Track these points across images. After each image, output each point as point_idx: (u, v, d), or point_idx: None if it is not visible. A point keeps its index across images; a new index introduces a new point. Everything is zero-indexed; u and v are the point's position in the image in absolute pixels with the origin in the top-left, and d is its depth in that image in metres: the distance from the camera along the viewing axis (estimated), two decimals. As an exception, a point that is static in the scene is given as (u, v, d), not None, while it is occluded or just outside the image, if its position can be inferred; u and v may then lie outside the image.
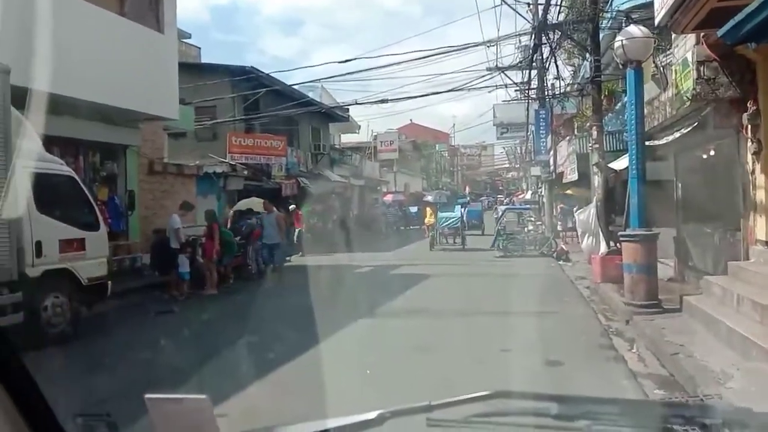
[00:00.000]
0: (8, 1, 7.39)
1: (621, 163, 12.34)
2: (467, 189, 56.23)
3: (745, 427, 1.09)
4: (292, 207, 19.55)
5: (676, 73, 8.87)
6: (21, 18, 7.55)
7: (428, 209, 24.05)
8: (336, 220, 25.90)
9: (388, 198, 39.48)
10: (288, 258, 16.65)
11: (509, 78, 22.62)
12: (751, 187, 7.90)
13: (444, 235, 21.55)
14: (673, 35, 9.35)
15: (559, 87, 22.55)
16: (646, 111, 9.51)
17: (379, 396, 4.68)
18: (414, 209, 39.84)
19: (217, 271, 12.44)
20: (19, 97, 7.14)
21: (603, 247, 11.85)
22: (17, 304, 6.95)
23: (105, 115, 11.95)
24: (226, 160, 19.56)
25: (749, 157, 7.81)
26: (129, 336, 8.08)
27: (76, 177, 8.80)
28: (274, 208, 14.50)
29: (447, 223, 20.98)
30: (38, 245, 7.44)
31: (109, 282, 8.87)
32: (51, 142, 9.63)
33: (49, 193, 7.77)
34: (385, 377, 5.49)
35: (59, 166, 8.42)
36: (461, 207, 22.06)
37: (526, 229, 19.64)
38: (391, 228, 32.66)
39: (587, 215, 13.19)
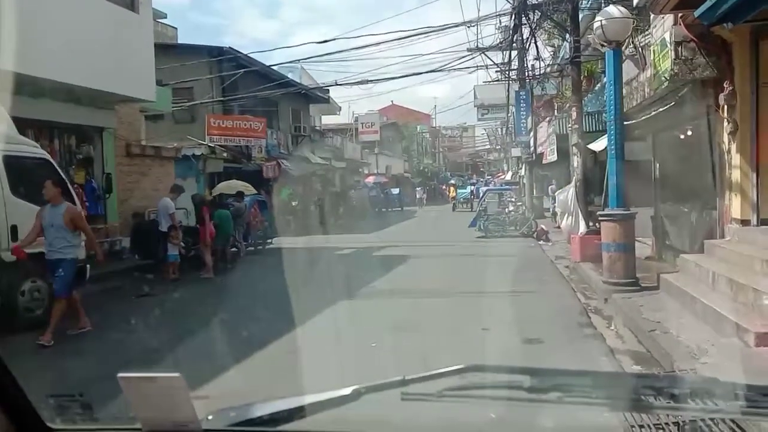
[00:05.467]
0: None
1: (600, 144, 12.44)
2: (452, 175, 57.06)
3: (712, 395, 1.12)
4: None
5: (654, 54, 8.92)
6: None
7: (451, 187, 43.72)
8: (318, 202, 25.84)
9: (370, 180, 39.43)
10: (270, 240, 16.63)
11: (490, 59, 22.57)
12: (726, 166, 8.02)
13: (460, 203, 36.04)
14: (652, 16, 9.38)
15: (540, 68, 22.59)
16: (624, 91, 9.56)
17: (358, 374, 4.71)
18: (396, 191, 39.92)
19: (212, 254, 12.42)
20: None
21: (582, 227, 11.99)
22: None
23: (79, 96, 11.72)
24: (205, 143, 19.33)
25: (725, 137, 7.91)
26: (109, 319, 8.00)
27: (51, 160, 8.64)
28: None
29: (462, 195, 37.12)
30: (13, 229, 7.33)
31: (88, 266, 8.76)
32: (25, 125, 9.45)
33: (23, 177, 7.64)
34: (365, 356, 5.52)
35: (33, 149, 8.26)
36: (471, 186, 38.48)
37: (506, 209, 19.77)
38: (373, 210, 32.68)
39: (566, 195, 13.31)
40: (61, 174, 8.75)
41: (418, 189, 47.95)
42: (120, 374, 1.10)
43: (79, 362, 5.82)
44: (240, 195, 15.01)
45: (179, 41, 24.51)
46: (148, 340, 6.15)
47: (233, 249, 14.08)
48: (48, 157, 8.54)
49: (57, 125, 12.12)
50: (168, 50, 19.44)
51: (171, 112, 18.54)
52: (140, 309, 8.70)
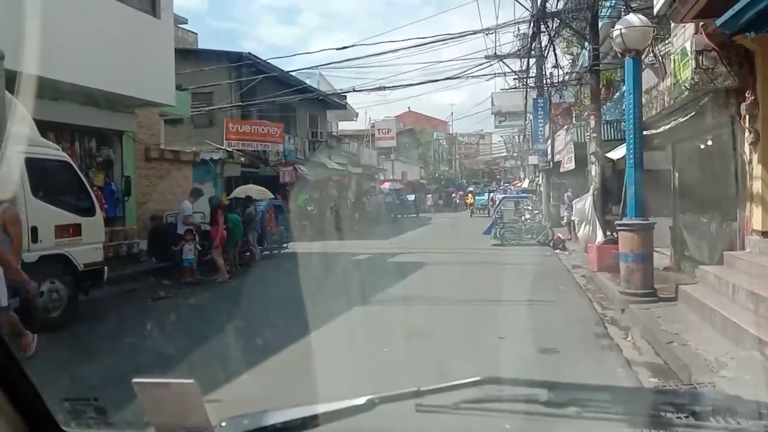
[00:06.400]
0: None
1: (618, 153, 12.33)
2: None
3: (734, 413, 1.09)
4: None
5: (674, 63, 8.83)
6: (13, 1, 7.47)
7: (469, 194, 44.25)
8: (333, 207, 25.90)
9: (386, 186, 39.45)
10: (285, 245, 16.70)
11: (508, 66, 22.56)
12: (747, 177, 7.90)
13: (477, 209, 37.36)
14: (672, 24, 9.30)
15: (558, 76, 22.48)
16: (644, 100, 9.48)
17: (372, 382, 4.70)
18: (411, 197, 39.90)
19: (227, 257, 12.57)
20: (12, 82, 7.08)
21: (599, 236, 11.88)
22: (14, 289, 6.93)
23: (100, 100, 11.87)
24: (223, 147, 19.49)
25: (746, 147, 7.80)
26: (125, 322, 8.07)
27: (72, 162, 8.76)
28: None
29: (480, 201, 38.33)
30: (34, 230, 7.41)
31: (105, 268, 8.86)
32: (46, 128, 9.58)
33: (44, 179, 7.74)
34: (380, 364, 5.51)
35: (55, 152, 8.37)
36: (488, 193, 38.28)
37: (523, 217, 19.66)
38: (388, 216, 32.69)
39: (584, 204, 13.20)
40: (81, 176, 8.89)
41: (428, 196, 47.79)
42: (135, 379, 1.10)
43: (93, 365, 5.86)
44: (249, 200, 15.11)
45: (199, 46, 24.78)
46: (162, 344, 6.18)
47: (247, 253, 14.16)
48: (68, 159, 8.66)
49: (78, 128, 12.27)
50: (188, 55, 19.68)
51: (190, 116, 18.74)
52: (155, 312, 8.77)
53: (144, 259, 13.02)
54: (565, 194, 21.20)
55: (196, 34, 26.23)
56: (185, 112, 17.38)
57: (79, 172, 8.82)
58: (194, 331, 7.15)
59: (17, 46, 7.29)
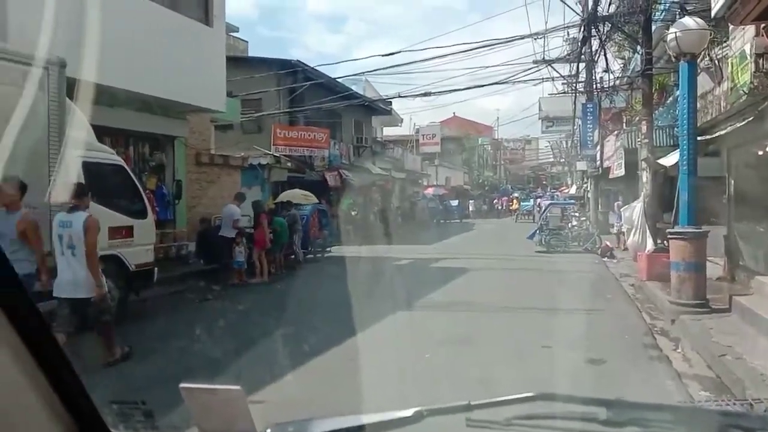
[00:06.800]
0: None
1: (670, 159, 11.97)
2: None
3: None
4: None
5: (732, 66, 8.55)
6: (73, 11, 7.78)
7: (514, 200, 44.36)
8: (377, 212, 25.99)
9: (429, 191, 39.36)
10: (329, 249, 16.85)
11: (556, 71, 22.14)
12: (809, 185, 7.56)
13: (522, 214, 37.12)
14: (731, 27, 8.99)
15: (608, 80, 21.99)
16: (698, 105, 9.19)
17: (414, 388, 4.68)
18: (455, 202, 39.63)
19: (273, 260, 12.83)
20: (70, 88, 7.37)
21: (650, 244, 11.56)
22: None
23: (154, 106, 12.25)
24: (271, 152, 19.83)
25: (809, 153, 7.47)
26: (173, 322, 8.29)
27: (126, 166, 9.05)
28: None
29: (525, 207, 38.36)
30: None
31: (155, 269, 9.12)
32: (103, 133, 9.93)
33: (99, 182, 8.01)
34: (424, 370, 5.49)
35: (110, 156, 8.67)
36: (535, 199, 37.67)
37: (569, 224, 19.29)
38: (431, 221, 32.57)
39: (633, 211, 12.87)
40: (135, 180, 9.19)
41: (471, 201, 46.63)
42: (182, 384, 1.11)
43: (141, 364, 6.04)
44: (289, 204, 15.34)
45: (250, 54, 25.29)
46: (208, 345, 6.32)
47: (291, 256, 14.35)
48: (123, 163, 8.96)
49: (132, 133, 12.70)
50: (239, 63, 20.10)
51: (240, 122, 19.13)
52: (203, 313, 8.97)
53: (192, 260, 13.35)
54: (616, 203, 20.68)
55: (247, 42, 26.79)
56: (235, 119, 17.76)
57: (132, 176, 9.11)
58: (240, 332, 7.27)
59: (77, 55, 7.59)
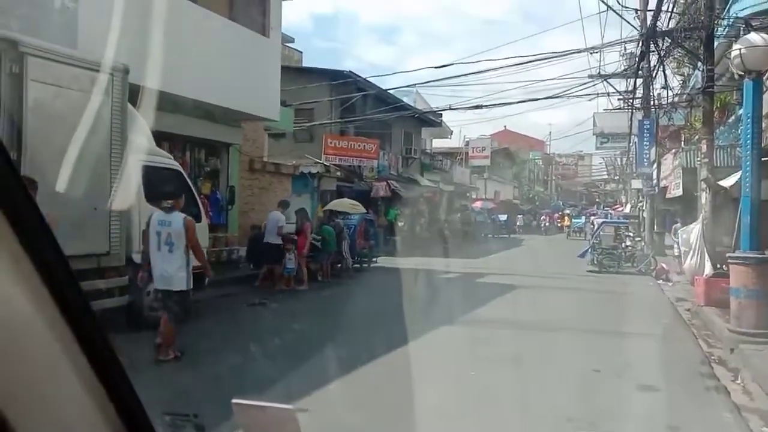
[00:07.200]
0: (127, 5, 7.95)
1: (731, 180, 11.50)
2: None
3: None
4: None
5: (801, 85, 8.17)
6: (138, 20, 8.09)
7: (566, 217, 43.55)
8: (424, 224, 25.93)
9: (478, 205, 39.03)
10: (375, 259, 16.89)
11: (612, 86, 21.73)
12: None
13: (573, 231, 37.65)
14: (801, 43, 8.59)
15: (667, 97, 21.36)
16: (763, 124, 8.81)
17: (461, 407, 4.62)
18: (503, 217, 39.12)
19: (320, 268, 13.07)
20: (133, 94, 7.65)
21: (708, 268, 11.10)
22: (123, 287, 7.47)
23: (211, 114, 12.59)
24: (321, 161, 20.08)
25: None
26: (222, 324, 8.45)
27: (183, 171, 9.32)
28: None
29: (576, 224, 38.69)
30: (144, 234, 7.91)
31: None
32: (161, 138, 10.26)
33: (157, 186, 8.26)
34: (469, 388, 5.41)
35: (168, 161, 8.95)
36: (588, 216, 36.22)
37: (623, 244, 18.75)
38: (479, 235, 32.28)
39: (691, 233, 12.41)
40: (191, 185, 9.44)
41: (520, 216, 45.08)
42: (234, 400, 1.11)
43: (190, 365, 6.16)
44: (335, 213, 15.47)
45: (304, 64, 25.73)
46: (254, 349, 6.42)
47: (338, 265, 14.44)
48: (180, 168, 9.24)
49: (190, 139, 13.08)
50: (293, 72, 20.47)
51: (292, 131, 19.46)
52: (251, 317, 9.11)
53: (242, 265, 13.59)
54: (674, 225, 20.00)
55: (302, 52, 27.25)
56: (288, 127, 18.08)
57: (188, 181, 9.37)
58: (285, 337, 7.34)
59: (140, 63, 7.89)
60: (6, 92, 6.03)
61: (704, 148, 12.14)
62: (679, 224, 19.06)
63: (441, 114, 30.77)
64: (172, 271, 6.25)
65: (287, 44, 23.78)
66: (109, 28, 6.95)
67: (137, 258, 7.57)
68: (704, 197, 12.16)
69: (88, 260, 6.84)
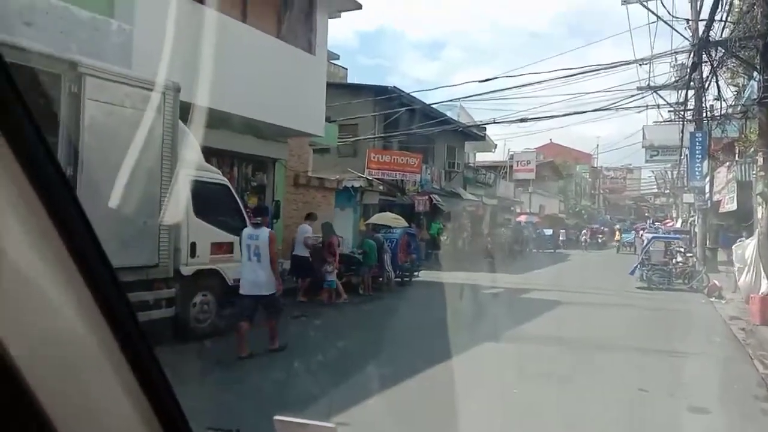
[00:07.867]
0: (180, 26, 8.24)
1: (790, 194, 11.06)
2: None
3: None
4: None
5: None
6: (190, 41, 8.37)
7: (617, 231, 42.76)
8: (467, 238, 25.72)
9: (522, 219, 38.47)
10: (416, 273, 16.85)
11: (662, 98, 21.18)
12: None
13: (623, 245, 36.41)
14: None
15: (720, 108, 20.70)
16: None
17: (503, 425, 4.56)
18: (549, 231, 38.35)
19: (362, 281, 13.37)
20: (184, 111, 7.91)
21: (764, 286, 10.67)
22: (171, 299, 7.68)
23: (258, 130, 12.86)
24: (364, 176, 20.22)
25: None
26: (264, 337, 8.55)
27: (230, 186, 9.54)
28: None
29: (626, 239, 37.40)
30: (192, 246, 8.13)
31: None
32: (210, 153, 10.53)
33: (205, 200, 8.49)
34: (512, 406, 5.33)
35: (216, 176, 9.18)
36: (642, 231, 33.31)
37: (674, 260, 18.19)
38: (524, 249, 31.82)
39: (746, 249, 11.96)
40: (237, 199, 9.65)
41: (563, 231, 41.64)
42: (276, 417, 1.14)
43: (233, 374, 6.27)
44: (374, 228, 15.63)
45: (348, 81, 26.06)
46: (296, 361, 6.49)
47: (380, 279, 14.47)
48: (227, 183, 9.46)
49: (237, 155, 13.38)
50: (338, 89, 20.76)
51: (336, 146, 19.68)
52: (293, 329, 9.20)
53: (286, 278, 13.76)
54: (738, 240, 19.28)
55: (347, 69, 27.58)
56: (332, 143, 18.29)
57: (235, 195, 9.58)
58: (327, 351, 7.40)
59: (191, 81, 8.15)
60: (65, 111, 6.31)
61: (761, 161, 11.75)
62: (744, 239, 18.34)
63: (485, 128, 30.64)
64: (261, 278, 7.04)
65: (333, 61, 24.15)
66: (162, 49, 7.22)
67: (186, 270, 7.82)
68: (760, 212, 11.74)
69: (137, 272, 7.06)
